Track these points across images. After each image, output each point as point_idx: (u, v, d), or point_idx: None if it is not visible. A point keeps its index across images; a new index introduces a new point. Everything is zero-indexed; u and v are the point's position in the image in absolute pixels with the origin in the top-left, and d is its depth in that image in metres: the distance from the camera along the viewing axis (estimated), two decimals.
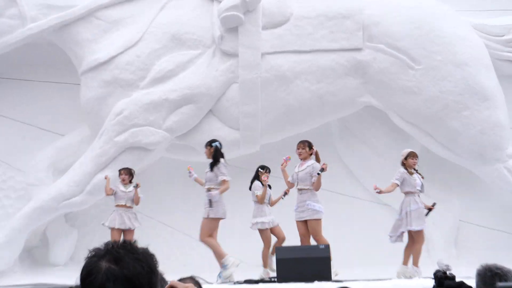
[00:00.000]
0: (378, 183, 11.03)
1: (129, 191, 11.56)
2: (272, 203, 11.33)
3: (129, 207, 11.62)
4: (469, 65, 12.83)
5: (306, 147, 10.71)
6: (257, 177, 11.34)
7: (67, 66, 13.78)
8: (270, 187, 11.32)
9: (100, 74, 12.98)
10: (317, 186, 10.47)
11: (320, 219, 10.59)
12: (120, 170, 11.76)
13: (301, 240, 10.65)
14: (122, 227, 11.46)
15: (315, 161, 10.65)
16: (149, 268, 2.51)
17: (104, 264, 2.48)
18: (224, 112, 12.86)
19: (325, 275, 9.96)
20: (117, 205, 11.59)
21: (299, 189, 10.63)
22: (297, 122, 13.03)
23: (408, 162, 10.71)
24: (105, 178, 11.83)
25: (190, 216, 13.10)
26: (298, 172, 10.66)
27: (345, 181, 12.91)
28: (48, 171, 13.49)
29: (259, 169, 11.32)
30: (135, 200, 11.55)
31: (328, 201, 12.22)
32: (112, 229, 11.46)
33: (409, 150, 10.96)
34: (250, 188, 11.40)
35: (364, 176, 13.23)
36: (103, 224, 11.61)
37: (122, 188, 11.63)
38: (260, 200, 11.22)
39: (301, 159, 10.77)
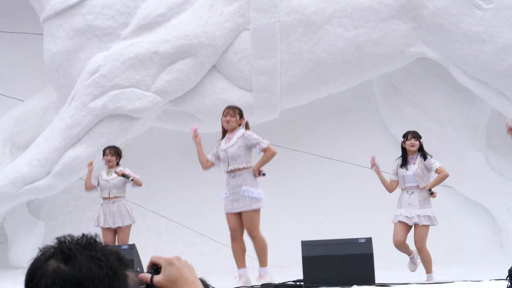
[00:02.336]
0: (436, 156, 10.11)
1: (112, 179, 10.79)
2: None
3: (117, 197, 10.84)
4: None
5: (236, 115, 9.65)
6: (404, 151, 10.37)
7: (24, 12, 13.19)
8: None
9: (69, 20, 12.35)
10: (261, 163, 9.59)
11: (259, 210, 9.68)
12: (105, 150, 10.98)
13: (232, 236, 9.72)
14: (111, 225, 10.78)
15: (246, 130, 9.68)
16: (110, 269, 2.23)
17: (52, 264, 2.26)
18: (232, 69, 12.15)
19: (368, 277, 9.27)
20: (103, 198, 10.89)
21: (231, 171, 9.59)
22: (328, 80, 12.16)
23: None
24: (88, 165, 11.06)
25: (189, 203, 12.92)
26: (226, 149, 9.60)
27: (391, 157, 11.53)
28: (3, 148, 12.89)
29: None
30: (137, 182, 10.85)
31: (370, 179, 11.56)
32: (102, 228, 10.78)
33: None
34: None
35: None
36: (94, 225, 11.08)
37: (104, 176, 10.85)
38: None
39: (227, 130, 9.74)
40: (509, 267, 6.49)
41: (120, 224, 10.72)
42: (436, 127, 12.45)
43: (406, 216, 9.72)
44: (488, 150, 12.69)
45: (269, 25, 11.85)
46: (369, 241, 9.45)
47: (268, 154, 9.40)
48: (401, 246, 9.77)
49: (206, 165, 9.87)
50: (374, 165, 9.88)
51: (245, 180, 9.52)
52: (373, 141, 12.47)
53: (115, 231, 10.84)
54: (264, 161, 9.42)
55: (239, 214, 9.59)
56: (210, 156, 9.85)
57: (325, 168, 12.85)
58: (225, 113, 9.57)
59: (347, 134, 12.82)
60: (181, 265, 2.26)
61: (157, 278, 2.22)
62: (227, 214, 9.66)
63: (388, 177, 10.04)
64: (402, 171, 9.77)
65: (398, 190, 10.05)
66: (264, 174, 9.79)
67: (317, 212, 12.75)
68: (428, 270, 9.85)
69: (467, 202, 12.73)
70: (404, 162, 9.71)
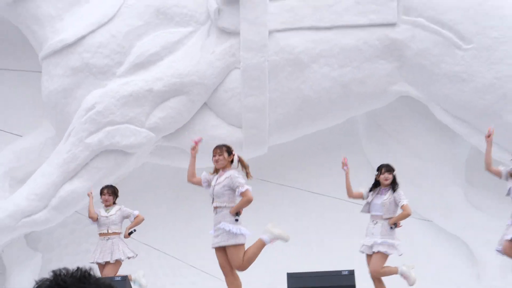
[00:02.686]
0: (418, 194, 11.19)
1: (111, 215, 11.04)
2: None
3: (115, 233, 11.08)
4: None
5: (223, 153, 9.60)
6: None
7: (24, 49, 13.46)
8: None
9: (66, 59, 12.62)
10: (237, 207, 9.44)
11: (238, 245, 9.50)
12: (102, 190, 11.20)
13: (223, 272, 9.66)
14: (108, 259, 10.98)
15: (234, 171, 9.59)
16: None
17: None
18: (223, 106, 12.47)
19: None
20: (100, 234, 11.09)
21: (215, 207, 9.55)
22: (315, 118, 12.58)
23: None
24: (88, 195, 11.32)
25: (181, 236, 13.16)
26: (214, 185, 9.57)
27: None
28: (3, 181, 13.13)
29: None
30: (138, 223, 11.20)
31: (354, 211, 11.89)
32: (98, 264, 10.99)
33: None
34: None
35: (400, 183, 11.86)
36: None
37: (103, 212, 11.07)
38: None
39: (219, 169, 9.68)
40: None
41: (108, 259, 10.84)
42: (417, 163, 12.80)
43: (366, 246, 9.86)
44: (467, 186, 13.00)
45: (259, 64, 12.13)
46: (351, 273, 9.65)
47: (243, 200, 9.45)
48: (377, 274, 9.91)
49: (192, 179, 9.85)
50: (345, 165, 9.95)
51: (224, 217, 9.47)
52: (358, 176, 12.13)
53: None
54: (239, 206, 9.43)
55: (225, 250, 9.65)
56: (203, 176, 9.85)
57: (312, 202, 13.16)
58: (213, 153, 9.66)
59: (334, 169, 12.50)
60: None
61: None
62: (215, 250, 9.71)
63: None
64: (371, 197, 9.91)
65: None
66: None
67: (302, 244, 12.77)
68: None
69: (446, 235, 12.93)
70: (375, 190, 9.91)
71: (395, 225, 9.87)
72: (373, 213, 9.98)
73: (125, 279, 10.41)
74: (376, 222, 9.86)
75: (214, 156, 9.66)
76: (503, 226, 10.78)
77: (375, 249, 9.82)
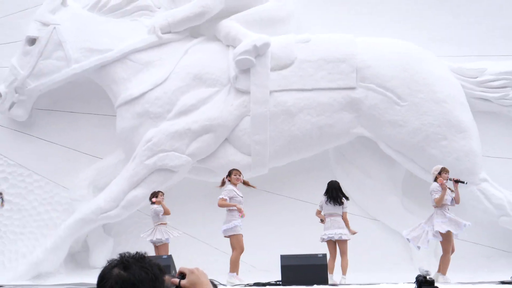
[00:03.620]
0: (369, 201, 12.58)
1: (161, 211, 12.59)
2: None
3: (164, 223, 12.54)
4: (447, 102, 13.85)
5: (241, 175, 11.84)
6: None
7: (105, 100, 14.63)
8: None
9: (133, 107, 13.95)
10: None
11: (231, 236, 11.48)
12: (156, 193, 12.63)
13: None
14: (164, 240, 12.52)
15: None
16: (154, 275, 2.67)
17: (115, 271, 2.67)
18: (238, 140, 13.74)
19: (323, 280, 10.78)
20: (158, 223, 12.49)
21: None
22: (300, 150, 13.97)
23: (442, 176, 11.40)
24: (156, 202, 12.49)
25: (209, 227, 14.17)
26: (241, 196, 11.75)
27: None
28: (88, 189, 14.42)
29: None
30: (166, 211, 12.52)
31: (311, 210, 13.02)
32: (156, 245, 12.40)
33: (441, 166, 11.62)
34: None
35: (357, 195, 14.12)
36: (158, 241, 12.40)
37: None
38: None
39: (235, 184, 11.90)
40: (416, 275, 7.52)
41: (166, 239, 12.40)
42: (369, 181, 14.30)
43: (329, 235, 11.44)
44: (403, 196, 14.38)
45: (263, 113, 13.53)
46: (324, 256, 11.10)
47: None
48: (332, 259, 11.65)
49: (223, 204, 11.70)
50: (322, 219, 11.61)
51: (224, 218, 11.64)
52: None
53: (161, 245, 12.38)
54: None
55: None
56: (225, 195, 11.57)
57: (299, 207, 14.14)
58: (237, 174, 11.85)
59: (315, 184, 13.70)
60: (199, 273, 2.68)
61: (183, 282, 2.63)
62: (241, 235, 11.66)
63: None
64: (330, 206, 11.63)
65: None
66: None
67: (291, 236, 13.92)
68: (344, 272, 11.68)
69: (389, 230, 14.27)
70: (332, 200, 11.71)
71: (321, 221, 11.94)
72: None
73: (170, 257, 11.40)
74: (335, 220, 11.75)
75: (236, 175, 11.88)
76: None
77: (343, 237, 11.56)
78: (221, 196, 11.63)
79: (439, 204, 11.43)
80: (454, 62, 14.39)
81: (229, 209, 11.75)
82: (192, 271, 2.70)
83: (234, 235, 11.59)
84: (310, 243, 12.80)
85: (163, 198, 12.62)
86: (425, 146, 13.61)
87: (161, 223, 12.48)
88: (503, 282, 10.85)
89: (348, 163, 14.48)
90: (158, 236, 12.38)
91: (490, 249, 14.04)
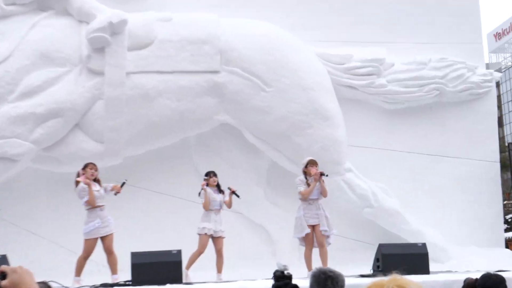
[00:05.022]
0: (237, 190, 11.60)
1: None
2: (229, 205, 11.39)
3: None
4: (314, 88, 13.55)
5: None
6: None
7: None
8: (221, 191, 11.44)
9: None
10: None
11: (85, 240, 10.73)
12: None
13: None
14: None
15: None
16: None
17: None
18: (90, 126, 12.89)
19: (177, 278, 10.20)
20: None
21: None
22: (158, 137, 13.29)
23: (308, 170, 11.04)
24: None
25: (55, 223, 13.36)
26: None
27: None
28: None
29: (204, 177, 11.45)
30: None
31: (185, 208, 12.94)
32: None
33: (309, 158, 11.25)
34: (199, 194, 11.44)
35: (222, 185, 12.86)
36: None
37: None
38: (205, 206, 11.29)
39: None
40: (274, 270, 7.03)
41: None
42: (231, 170, 13.64)
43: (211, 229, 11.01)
44: (267, 187, 14.02)
45: (118, 97, 12.69)
46: (179, 252, 10.35)
47: None
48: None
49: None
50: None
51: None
52: (188, 181, 12.96)
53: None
54: None
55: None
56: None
57: (158, 200, 13.62)
58: (93, 168, 10.92)
59: (174, 175, 13.59)
60: (22, 272, 2.48)
61: (4, 283, 2.46)
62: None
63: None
64: (214, 196, 11.14)
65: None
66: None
67: (148, 231, 13.31)
68: (219, 270, 11.24)
69: (252, 223, 13.92)
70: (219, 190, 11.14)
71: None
72: (215, 207, 11.30)
73: (4, 257, 10.30)
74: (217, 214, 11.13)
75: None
76: (292, 218, 11.61)
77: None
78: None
79: (305, 197, 11.12)
80: (321, 48, 14.24)
81: (89, 209, 10.93)
82: (14, 270, 2.50)
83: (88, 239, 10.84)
84: (169, 239, 12.56)
85: None
86: (290, 134, 13.29)
87: None
88: (362, 276, 10.72)
89: (210, 152, 14.04)
90: None
91: (354, 242, 13.96)
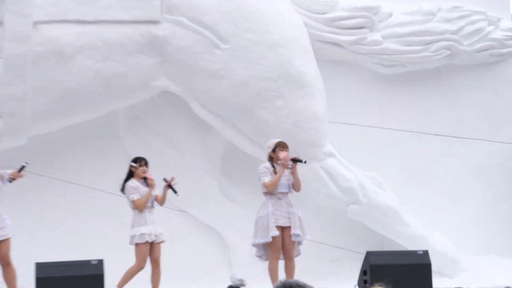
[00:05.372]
0: (176, 183, 10.91)
1: None
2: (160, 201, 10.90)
3: None
4: (285, 46, 13.01)
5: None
6: (131, 175, 10.80)
7: None
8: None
9: None
10: None
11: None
12: None
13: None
14: None
15: None
16: None
17: None
18: None
19: None
20: None
21: None
22: (77, 109, 12.80)
23: (277, 154, 10.64)
24: None
25: None
26: None
27: None
28: None
29: (131, 164, 10.84)
30: None
31: (112, 205, 12.54)
32: None
33: (277, 140, 10.79)
34: (122, 190, 10.89)
35: (159, 174, 12.12)
36: None
37: None
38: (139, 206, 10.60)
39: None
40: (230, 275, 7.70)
41: None
42: (175, 155, 13.16)
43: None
44: (222, 177, 13.45)
45: (22, 54, 12.20)
46: (100, 263, 10.07)
47: None
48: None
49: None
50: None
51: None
52: (117, 169, 12.16)
53: None
54: None
55: None
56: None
57: (78, 193, 13.10)
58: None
59: (97, 161, 13.23)
60: None
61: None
62: None
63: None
64: (144, 189, 10.42)
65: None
66: None
67: (60, 234, 12.93)
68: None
69: (201, 224, 13.34)
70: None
71: None
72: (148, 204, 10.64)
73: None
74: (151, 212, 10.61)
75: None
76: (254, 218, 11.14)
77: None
78: None
79: (270, 189, 10.51)
80: None
81: None
82: None
83: None
84: (88, 246, 12.57)
85: None
86: (253, 106, 12.71)
87: None
88: None
89: (146, 130, 13.50)
90: None
91: (336, 250, 13.50)
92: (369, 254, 10.73)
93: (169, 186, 10.53)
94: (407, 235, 13.33)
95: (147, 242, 10.46)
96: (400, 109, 14.08)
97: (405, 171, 13.90)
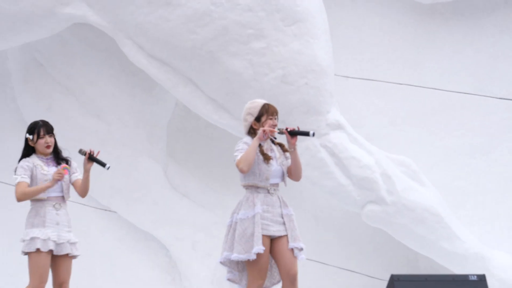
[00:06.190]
0: (100, 172, 8.29)
1: None
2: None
3: None
4: None
5: None
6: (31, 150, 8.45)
7: None
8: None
9: None
10: None
11: None
12: None
13: None
14: None
15: None
16: None
17: None
18: None
19: None
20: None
21: None
22: None
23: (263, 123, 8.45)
24: None
25: None
26: None
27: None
28: None
29: (27, 136, 8.29)
30: None
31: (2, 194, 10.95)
32: None
33: (262, 101, 8.51)
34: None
35: (78, 156, 9.06)
36: None
37: None
38: None
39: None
40: None
41: None
42: (96, 125, 10.75)
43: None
44: (169, 160, 10.96)
45: None
46: None
47: None
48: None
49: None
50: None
51: None
52: (8, 138, 10.33)
53: None
54: None
55: None
56: None
57: None
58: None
59: None
60: None
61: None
62: None
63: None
64: (46, 171, 7.77)
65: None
66: None
67: None
68: None
69: (139, 232, 10.84)
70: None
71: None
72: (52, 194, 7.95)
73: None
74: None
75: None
76: (221, 222, 10.17)
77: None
78: None
79: (245, 167, 7.44)
80: None
81: None
82: None
83: None
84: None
85: None
86: (218, 51, 10.11)
87: None
88: None
89: (51, 84, 10.92)
90: None
91: (348, 273, 11.06)
92: (394, 278, 8.80)
93: (91, 157, 7.69)
94: (455, 253, 10.63)
95: (39, 251, 7.56)
96: (438, 56, 11.31)
97: (454, 153, 10.96)
